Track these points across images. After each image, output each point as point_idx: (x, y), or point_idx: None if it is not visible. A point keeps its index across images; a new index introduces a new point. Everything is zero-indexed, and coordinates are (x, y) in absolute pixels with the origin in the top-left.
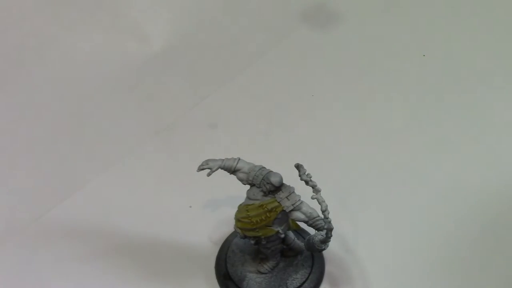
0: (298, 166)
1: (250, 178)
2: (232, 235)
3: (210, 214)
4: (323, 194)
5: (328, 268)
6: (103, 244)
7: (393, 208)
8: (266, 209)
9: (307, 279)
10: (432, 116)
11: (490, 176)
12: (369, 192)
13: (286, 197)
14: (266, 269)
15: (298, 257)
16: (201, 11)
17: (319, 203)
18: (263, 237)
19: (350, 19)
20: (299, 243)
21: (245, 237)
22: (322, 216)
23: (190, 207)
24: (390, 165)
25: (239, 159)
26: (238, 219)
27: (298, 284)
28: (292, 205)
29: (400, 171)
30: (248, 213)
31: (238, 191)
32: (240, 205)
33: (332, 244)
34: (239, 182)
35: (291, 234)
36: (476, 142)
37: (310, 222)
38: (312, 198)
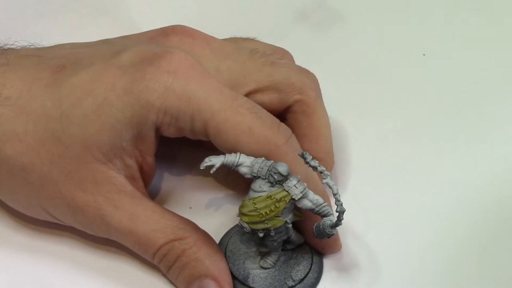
0: (303, 154)
1: (255, 171)
2: (227, 236)
3: (210, 215)
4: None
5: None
6: (103, 244)
7: (393, 205)
8: (274, 199)
9: (310, 269)
10: (433, 116)
11: (493, 175)
12: (368, 192)
13: (295, 185)
14: (270, 264)
15: (297, 250)
16: (201, 12)
17: (330, 187)
18: (272, 228)
19: (350, 19)
20: (298, 235)
21: (252, 231)
22: (326, 203)
23: (190, 208)
24: (390, 165)
25: (240, 154)
26: (244, 214)
27: (303, 275)
28: (301, 192)
29: (399, 170)
30: (256, 206)
31: (238, 192)
32: (244, 199)
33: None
34: (239, 182)
35: (291, 226)
36: (478, 141)
37: (317, 209)
38: (323, 183)
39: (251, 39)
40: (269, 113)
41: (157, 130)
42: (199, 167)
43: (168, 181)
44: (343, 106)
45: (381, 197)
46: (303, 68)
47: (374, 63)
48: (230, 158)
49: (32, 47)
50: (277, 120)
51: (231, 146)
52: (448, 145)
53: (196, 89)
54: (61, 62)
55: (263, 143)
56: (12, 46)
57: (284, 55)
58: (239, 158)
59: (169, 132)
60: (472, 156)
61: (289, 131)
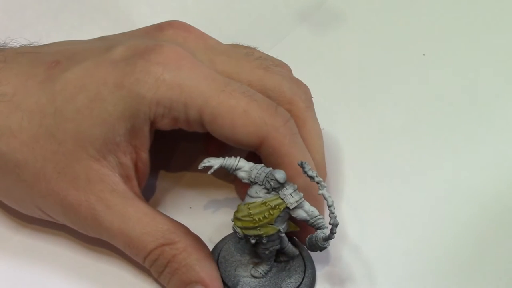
0: (302, 164)
1: (253, 176)
2: (222, 242)
3: (210, 215)
4: None
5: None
6: (97, 245)
7: (388, 210)
8: (269, 206)
9: (301, 283)
10: (433, 116)
11: (492, 175)
12: (364, 195)
13: (290, 194)
14: (261, 273)
15: (290, 263)
16: (201, 12)
17: (325, 198)
18: (264, 235)
19: (350, 19)
20: (293, 248)
21: (244, 236)
22: (322, 215)
23: (190, 207)
24: (389, 166)
25: (240, 158)
26: (238, 218)
27: None
28: (296, 201)
29: (398, 171)
30: (250, 211)
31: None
32: (240, 204)
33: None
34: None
35: (286, 237)
36: (477, 141)
37: (311, 221)
38: (319, 193)
39: (253, 48)
40: (265, 97)
41: (152, 123)
42: (198, 167)
43: (168, 180)
44: (342, 106)
45: (378, 205)
46: (296, 79)
47: (374, 63)
48: (229, 161)
49: (31, 46)
50: (274, 103)
51: (228, 130)
52: (448, 145)
53: (187, 77)
54: (55, 58)
55: (260, 124)
56: (10, 45)
57: (282, 66)
58: (238, 162)
59: (164, 124)
60: (472, 156)
61: (287, 114)
